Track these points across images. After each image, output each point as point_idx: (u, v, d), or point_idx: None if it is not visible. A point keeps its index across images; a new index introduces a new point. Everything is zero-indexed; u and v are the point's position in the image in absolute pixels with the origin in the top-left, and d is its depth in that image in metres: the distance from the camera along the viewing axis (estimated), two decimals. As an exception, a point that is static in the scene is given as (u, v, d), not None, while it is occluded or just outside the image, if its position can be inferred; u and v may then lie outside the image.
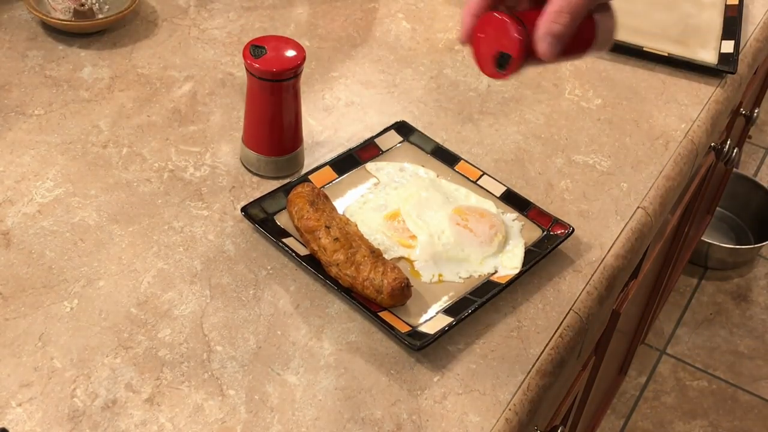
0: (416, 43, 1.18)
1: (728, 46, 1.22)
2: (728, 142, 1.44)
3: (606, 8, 0.72)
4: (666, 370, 2.11)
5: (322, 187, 0.93)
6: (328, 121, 1.04)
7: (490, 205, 0.94)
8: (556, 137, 1.06)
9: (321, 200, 0.88)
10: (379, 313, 0.81)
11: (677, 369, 2.12)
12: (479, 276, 0.87)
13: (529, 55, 0.70)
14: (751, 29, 1.31)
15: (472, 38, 0.72)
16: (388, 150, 0.99)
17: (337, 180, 0.95)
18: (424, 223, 0.90)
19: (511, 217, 0.93)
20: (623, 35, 1.22)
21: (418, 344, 0.78)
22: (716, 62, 1.19)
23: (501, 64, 0.71)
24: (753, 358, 2.15)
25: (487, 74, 0.72)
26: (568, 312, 0.86)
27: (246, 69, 0.88)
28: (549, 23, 0.68)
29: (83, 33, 1.10)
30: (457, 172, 0.97)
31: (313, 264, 0.85)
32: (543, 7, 0.70)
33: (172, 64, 1.08)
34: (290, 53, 0.89)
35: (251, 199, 0.91)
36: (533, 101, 1.11)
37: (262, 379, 0.77)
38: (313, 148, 1.00)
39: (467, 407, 0.77)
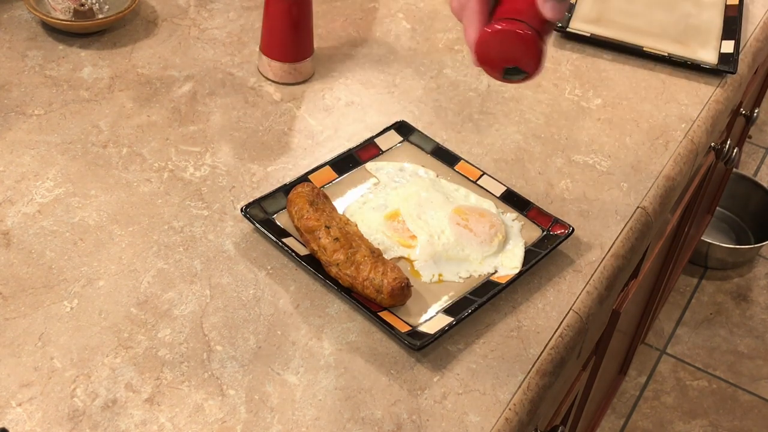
0: (416, 43, 1.18)
1: (728, 46, 1.22)
2: (728, 142, 1.44)
3: None
4: (666, 369, 2.11)
5: (322, 187, 0.93)
6: (328, 121, 1.04)
7: (490, 205, 0.94)
8: (556, 137, 1.06)
9: (321, 200, 0.88)
10: (379, 313, 0.81)
11: (677, 369, 2.12)
12: (479, 276, 0.87)
13: (539, 37, 0.68)
14: (751, 29, 1.31)
15: (481, 58, 0.70)
16: (388, 150, 0.99)
17: (337, 180, 0.95)
18: (424, 223, 0.90)
19: (511, 217, 0.93)
20: (623, 35, 1.22)
21: (418, 344, 0.78)
22: (716, 62, 1.19)
23: (514, 74, 0.70)
24: (753, 358, 2.15)
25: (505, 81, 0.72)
26: (568, 312, 0.86)
27: None
28: None
29: (83, 33, 1.10)
30: (457, 172, 0.97)
31: (313, 264, 0.85)
32: None
33: (172, 64, 1.09)
34: None
35: (251, 199, 0.91)
36: (533, 101, 1.11)
37: (262, 379, 0.77)
38: (313, 148, 1.00)
39: (467, 407, 0.77)
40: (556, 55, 1.19)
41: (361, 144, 0.98)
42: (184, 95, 1.04)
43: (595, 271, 0.91)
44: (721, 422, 2.01)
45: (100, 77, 1.05)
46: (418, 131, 1.01)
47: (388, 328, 0.80)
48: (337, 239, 0.84)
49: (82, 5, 1.10)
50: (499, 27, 0.68)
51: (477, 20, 0.69)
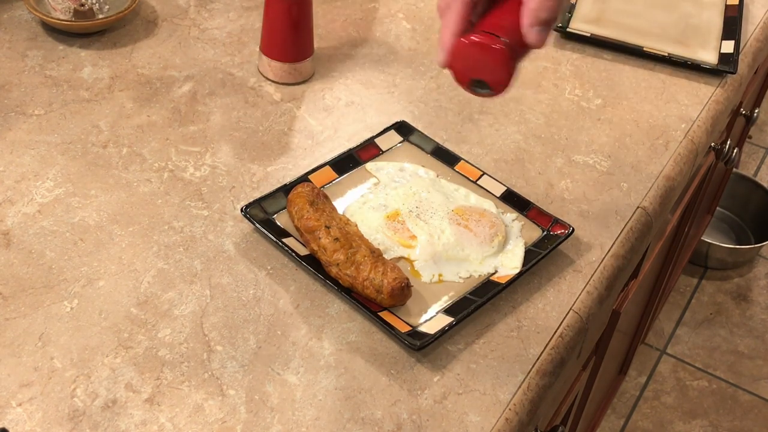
0: (416, 43, 1.18)
1: (728, 46, 1.22)
2: (728, 142, 1.44)
3: None
4: (666, 370, 2.11)
5: (322, 187, 0.93)
6: (328, 121, 1.04)
7: (490, 205, 0.94)
8: (556, 137, 1.06)
9: (321, 200, 0.88)
10: (379, 313, 0.81)
11: (677, 369, 2.12)
12: (479, 276, 0.87)
13: (514, 58, 0.68)
14: (751, 29, 1.31)
15: (450, 63, 0.69)
16: (388, 150, 0.99)
17: (337, 180, 0.95)
18: (424, 223, 0.90)
19: (511, 217, 0.93)
20: (623, 35, 1.22)
21: (418, 344, 0.78)
22: (716, 62, 1.19)
23: (480, 87, 0.70)
24: (753, 358, 2.15)
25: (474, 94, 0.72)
26: (568, 312, 0.86)
27: None
28: (535, 12, 0.66)
29: (83, 33, 1.10)
30: (457, 172, 0.97)
31: (313, 264, 0.85)
32: None
33: (172, 64, 1.09)
34: None
35: (251, 199, 0.91)
36: (533, 101, 1.11)
37: (262, 379, 0.77)
38: (313, 148, 1.00)
39: (467, 407, 0.77)
40: (556, 55, 1.19)
41: (361, 144, 0.98)
42: (184, 95, 1.04)
43: (595, 271, 0.91)
44: (721, 422, 2.01)
45: (100, 77, 1.05)
46: (418, 131, 1.01)
47: (388, 328, 0.80)
48: (337, 239, 0.84)
49: (82, 5, 1.10)
50: (476, 39, 0.67)
51: (456, 25, 0.69)
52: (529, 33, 0.67)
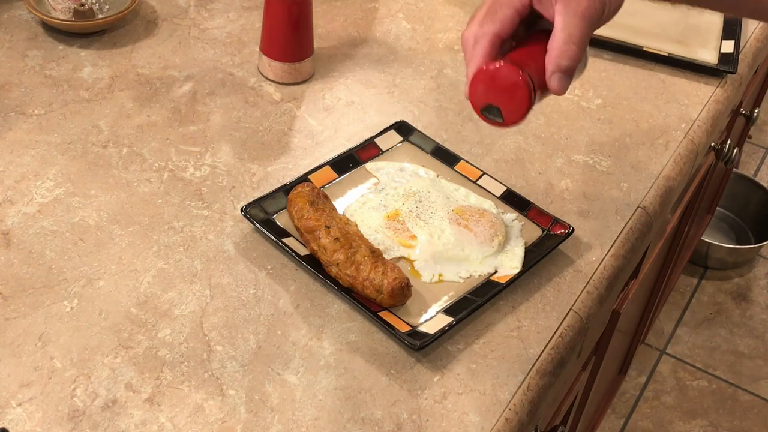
0: (416, 43, 1.18)
1: (728, 46, 1.22)
2: (728, 142, 1.44)
3: None
4: (666, 369, 2.11)
5: (322, 187, 0.93)
6: (328, 121, 1.04)
7: (490, 205, 0.94)
8: (556, 137, 1.06)
9: (321, 200, 0.88)
10: (379, 313, 0.81)
11: (677, 369, 2.12)
12: (479, 276, 0.87)
13: (533, 95, 0.68)
14: (751, 29, 1.31)
15: (472, 86, 0.70)
16: (388, 150, 0.99)
17: (337, 180, 0.95)
18: (424, 223, 0.90)
19: (511, 217, 0.93)
20: (623, 35, 1.22)
21: (418, 344, 0.78)
22: (716, 62, 1.19)
23: (493, 114, 0.70)
24: (753, 358, 2.15)
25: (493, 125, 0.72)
26: (568, 312, 0.86)
27: None
28: (557, 60, 0.67)
29: (83, 33, 1.10)
30: (457, 172, 0.97)
31: (313, 264, 0.85)
32: (537, 35, 0.69)
33: (172, 64, 1.09)
34: None
35: (251, 199, 0.91)
36: (533, 101, 1.11)
37: (262, 379, 0.77)
38: (313, 148, 1.00)
39: (467, 407, 0.77)
40: (556, 55, 1.19)
41: (361, 144, 0.98)
42: (184, 95, 1.04)
43: (595, 271, 0.91)
44: (721, 422, 2.01)
45: (100, 77, 1.05)
46: (418, 131, 1.01)
47: (388, 328, 0.80)
48: (337, 239, 0.84)
49: (82, 5, 1.10)
50: (503, 65, 0.68)
51: (483, 60, 0.69)
52: (551, 80, 0.68)
